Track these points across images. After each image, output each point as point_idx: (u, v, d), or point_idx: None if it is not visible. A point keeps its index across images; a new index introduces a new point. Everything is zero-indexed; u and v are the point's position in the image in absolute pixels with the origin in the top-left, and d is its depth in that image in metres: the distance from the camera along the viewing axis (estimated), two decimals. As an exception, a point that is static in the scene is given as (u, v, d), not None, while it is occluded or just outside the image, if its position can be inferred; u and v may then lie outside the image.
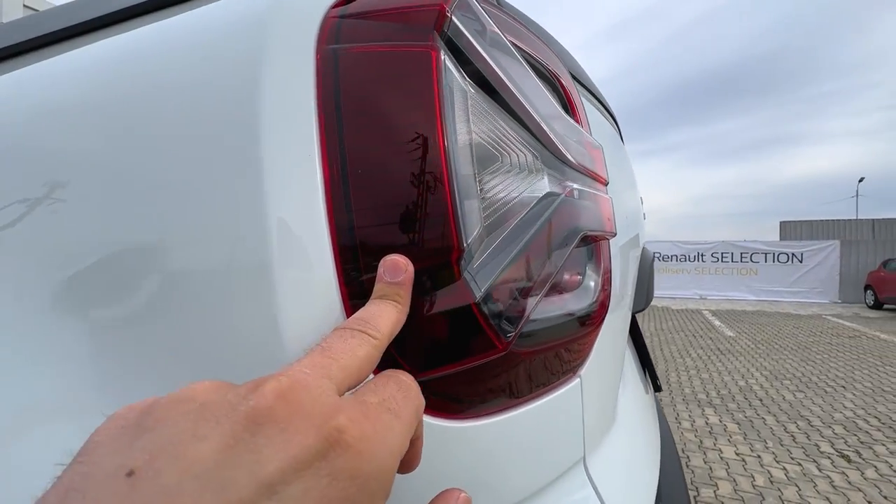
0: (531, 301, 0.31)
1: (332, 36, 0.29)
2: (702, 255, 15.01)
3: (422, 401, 0.23)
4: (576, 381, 0.39)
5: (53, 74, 0.39)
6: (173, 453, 0.15)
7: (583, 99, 0.70)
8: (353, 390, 0.21)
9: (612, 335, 0.52)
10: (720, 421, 3.79)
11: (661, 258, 15.43)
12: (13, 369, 0.32)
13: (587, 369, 0.41)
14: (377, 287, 0.26)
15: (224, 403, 0.17)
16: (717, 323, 9.25)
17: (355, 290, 0.27)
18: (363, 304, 0.27)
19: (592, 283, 0.43)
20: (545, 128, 0.35)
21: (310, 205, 0.27)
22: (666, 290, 15.04)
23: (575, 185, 0.39)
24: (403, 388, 0.22)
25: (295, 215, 0.27)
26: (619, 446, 0.49)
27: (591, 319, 0.40)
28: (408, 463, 0.26)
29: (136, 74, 0.33)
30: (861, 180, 30.22)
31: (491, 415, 0.32)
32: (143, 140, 0.31)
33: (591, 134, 0.47)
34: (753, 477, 2.88)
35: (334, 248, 0.27)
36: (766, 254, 14.32)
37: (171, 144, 0.30)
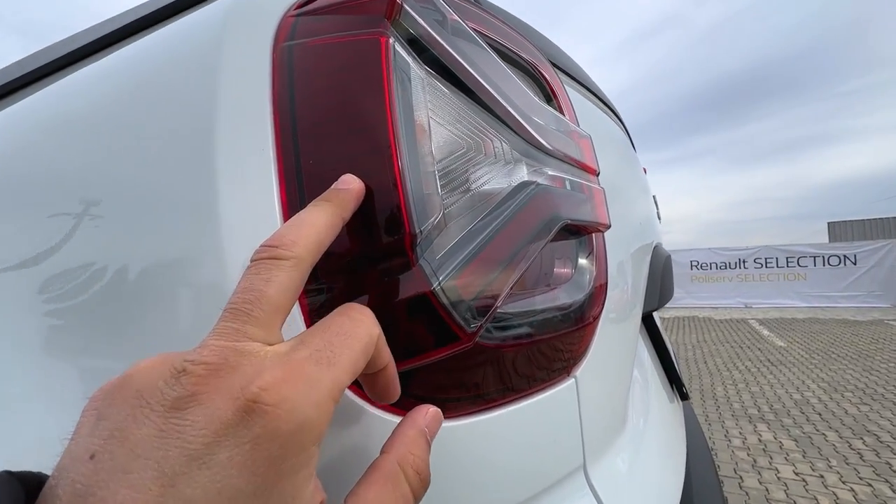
0: (502, 292, 0.29)
1: (288, 34, 0.30)
2: (743, 262, 14.22)
3: (370, 334, 0.23)
4: (570, 382, 0.37)
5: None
6: (120, 437, 0.18)
7: (597, 106, 0.69)
8: (298, 336, 0.22)
9: (617, 337, 0.49)
10: (775, 437, 3.51)
11: (698, 266, 14.74)
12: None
13: (584, 370, 0.39)
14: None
15: (156, 391, 0.19)
16: (765, 332, 8.70)
17: (312, 287, 0.27)
18: (320, 297, 0.26)
19: (586, 278, 0.40)
20: (516, 115, 0.34)
21: (265, 201, 0.27)
22: (706, 299, 14.30)
23: (556, 174, 0.37)
24: (342, 330, 0.22)
25: (250, 212, 0.27)
26: (630, 456, 0.45)
27: (584, 316, 0.38)
28: (384, 392, 0.25)
29: (113, 90, 0.35)
30: (916, 174, 28.19)
31: (476, 413, 0.30)
32: (113, 149, 0.33)
33: (577, 124, 0.45)
34: (816, 499, 2.63)
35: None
36: (814, 257, 13.44)
37: (138, 151, 0.31)
